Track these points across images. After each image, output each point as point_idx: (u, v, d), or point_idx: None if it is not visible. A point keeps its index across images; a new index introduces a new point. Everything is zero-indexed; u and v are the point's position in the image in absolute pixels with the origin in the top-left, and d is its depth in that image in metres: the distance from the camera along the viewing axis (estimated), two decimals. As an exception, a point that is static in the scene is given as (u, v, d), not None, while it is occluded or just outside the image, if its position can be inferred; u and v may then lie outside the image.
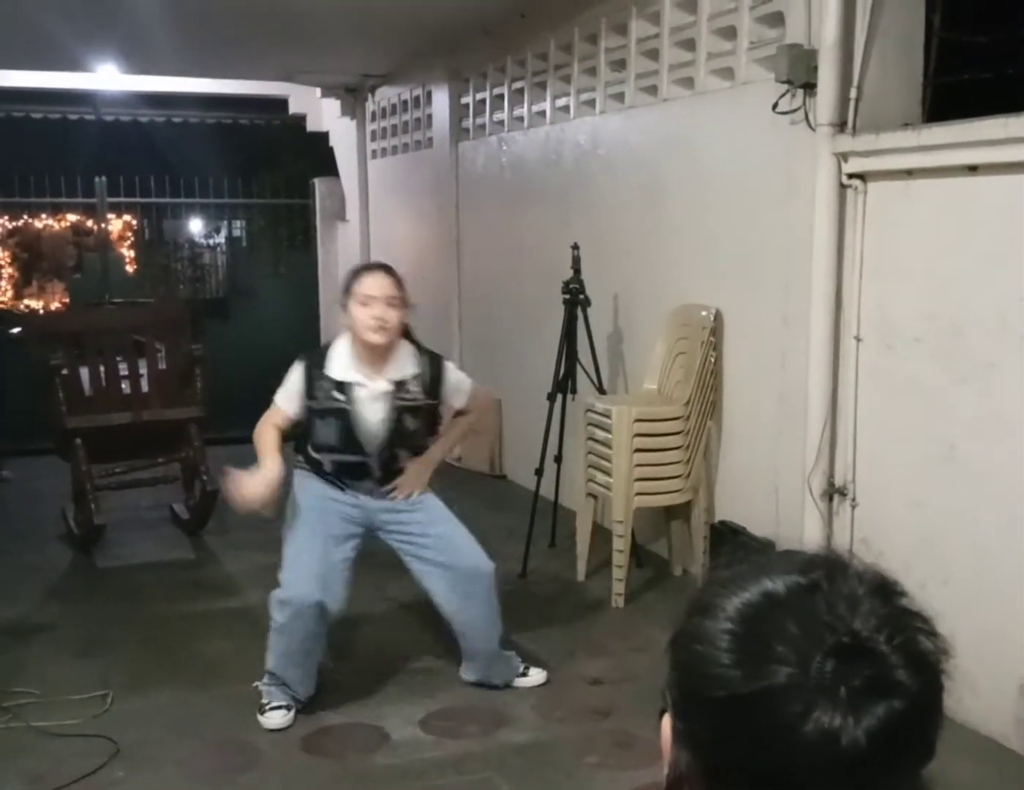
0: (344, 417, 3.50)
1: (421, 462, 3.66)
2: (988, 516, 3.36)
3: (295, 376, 3.56)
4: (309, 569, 3.54)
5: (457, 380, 3.72)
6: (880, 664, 0.75)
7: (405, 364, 3.58)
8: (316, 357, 3.59)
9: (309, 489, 3.63)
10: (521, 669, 3.86)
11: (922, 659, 0.77)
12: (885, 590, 0.81)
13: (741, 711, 0.76)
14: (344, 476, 3.62)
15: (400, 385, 3.54)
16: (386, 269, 3.57)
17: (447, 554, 3.63)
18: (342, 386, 3.50)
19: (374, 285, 3.46)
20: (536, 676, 3.86)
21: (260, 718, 3.57)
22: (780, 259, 4.19)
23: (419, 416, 3.61)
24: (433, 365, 3.64)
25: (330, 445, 3.55)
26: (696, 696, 0.80)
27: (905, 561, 3.54)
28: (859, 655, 0.75)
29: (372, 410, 3.52)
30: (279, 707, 3.58)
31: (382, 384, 3.52)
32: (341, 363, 3.53)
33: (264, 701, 3.60)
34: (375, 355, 3.51)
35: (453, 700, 3.78)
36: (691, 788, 0.82)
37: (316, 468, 3.63)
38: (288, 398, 3.57)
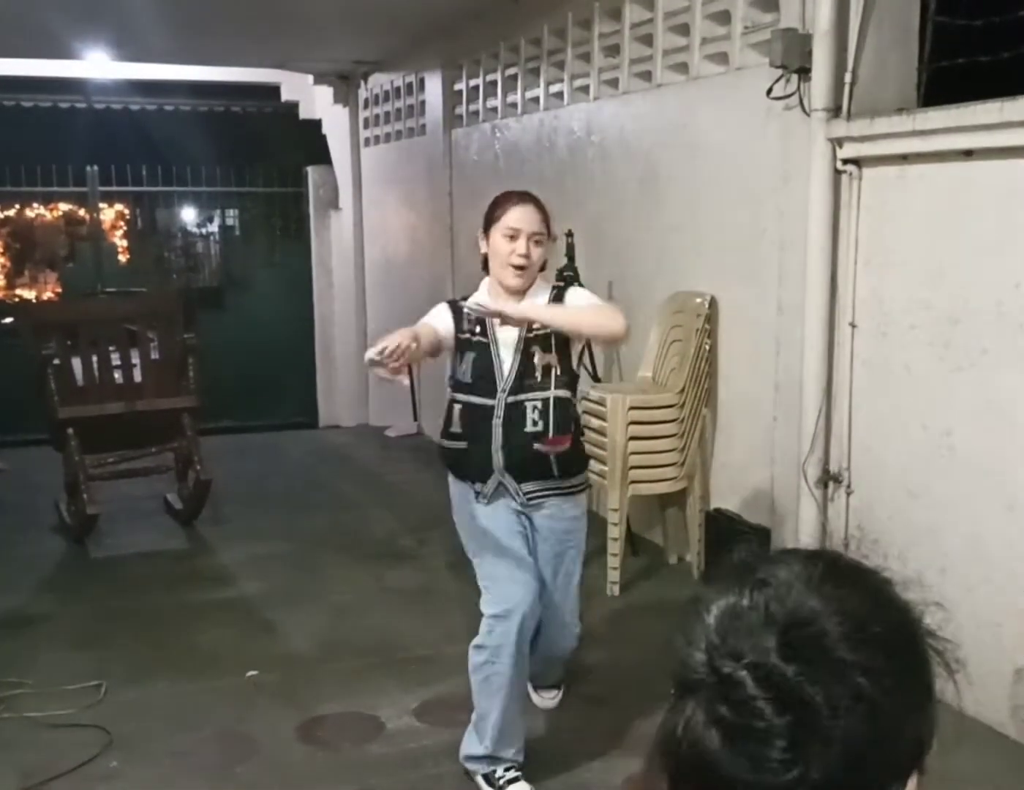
0: (484, 352, 3.11)
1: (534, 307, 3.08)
2: (984, 503, 3.35)
3: (441, 310, 3.15)
4: (515, 571, 3.09)
5: (578, 296, 3.17)
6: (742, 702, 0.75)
7: (538, 296, 3.13)
8: (457, 300, 3.18)
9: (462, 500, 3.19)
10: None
11: (789, 693, 0.74)
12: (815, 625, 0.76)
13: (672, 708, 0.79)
14: (471, 428, 3.12)
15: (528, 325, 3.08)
16: (535, 201, 3.15)
17: (546, 597, 3.19)
18: (482, 322, 3.10)
19: (522, 218, 3.06)
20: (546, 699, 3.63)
21: None
22: (775, 246, 4.18)
23: (549, 348, 3.08)
24: (557, 293, 3.17)
25: (466, 383, 3.11)
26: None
27: (901, 549, 3.53)
28: (726, 686, 0.76)
29: (505, 345, 3.11)
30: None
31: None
32: (479, 298, 3.11)
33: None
34: (511, 294, 3.10)
35: (448, 689, 3.77)
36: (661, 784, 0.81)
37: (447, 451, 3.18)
38: (438, 319, 3.11)
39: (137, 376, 5.64)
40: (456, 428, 3.11)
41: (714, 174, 4.59)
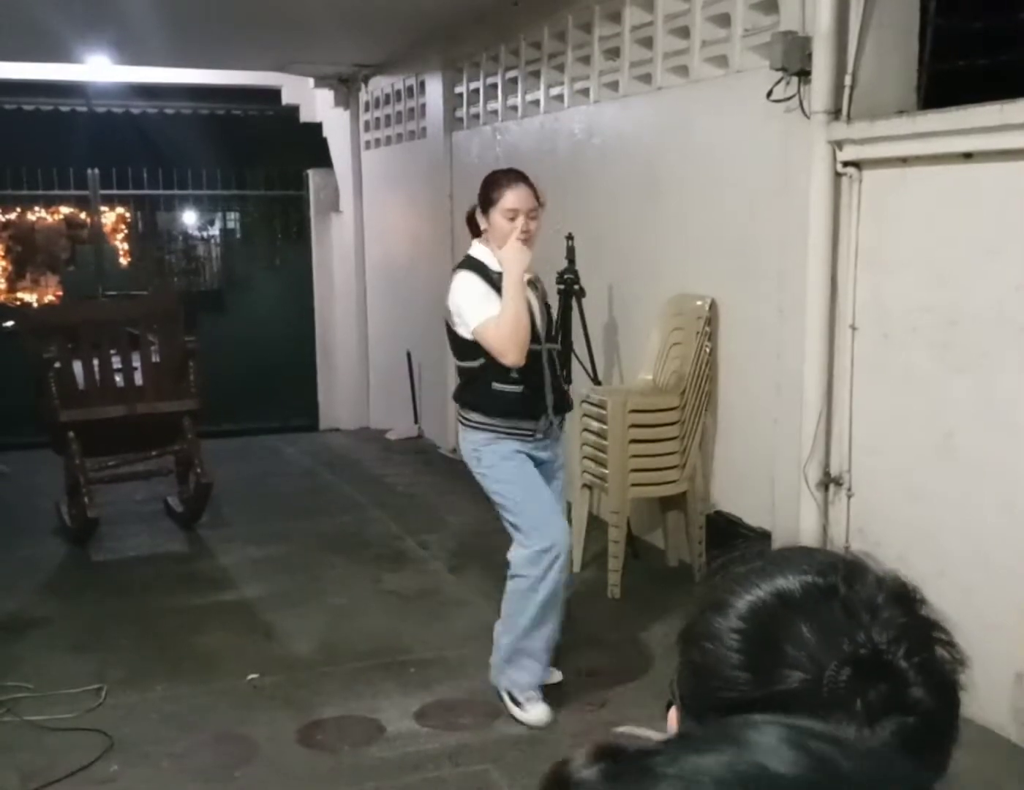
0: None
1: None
2: (984, 505, 3.35)
3: (474, 282, 3.47)
4: (554, 513, 3.58)
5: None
6: (897, 680, 0.73)
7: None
8: (474, 263, 3.53)
9: (502, 448, 3.54)
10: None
11: (940, 676, 0.75)
12: (905, 598, 0.78)
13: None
14: (527, 383, 3.52)
15: (535, 283, 3.62)
16: (525, 180, 3.51)
17: None
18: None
19: (519, 199, 3.44)
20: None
21: (519, 713, 3.55)
22: (775, 248, 4.17)
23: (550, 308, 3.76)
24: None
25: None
26: (705, 695, 0.78)
27: (901, 551, 3.53)
28: (876, 668, 0.73)
29: (532, 299, 3.57)
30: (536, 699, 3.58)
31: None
32: (493, 263, 3.51)
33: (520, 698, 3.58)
34: None
35: (449, 692, 3.77)
36: None
37: (497, 400, 3.52)
38: (487, 304, 3.44)
39: (138, 379, 5.64)
40: (514, 373, 3.48)
41: (714, 177, 4.59)
